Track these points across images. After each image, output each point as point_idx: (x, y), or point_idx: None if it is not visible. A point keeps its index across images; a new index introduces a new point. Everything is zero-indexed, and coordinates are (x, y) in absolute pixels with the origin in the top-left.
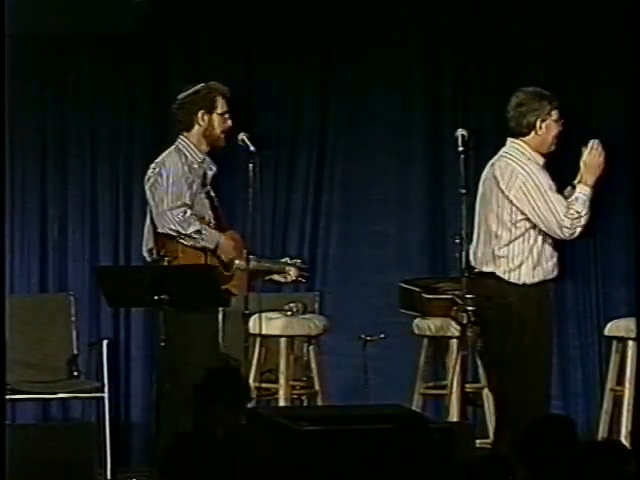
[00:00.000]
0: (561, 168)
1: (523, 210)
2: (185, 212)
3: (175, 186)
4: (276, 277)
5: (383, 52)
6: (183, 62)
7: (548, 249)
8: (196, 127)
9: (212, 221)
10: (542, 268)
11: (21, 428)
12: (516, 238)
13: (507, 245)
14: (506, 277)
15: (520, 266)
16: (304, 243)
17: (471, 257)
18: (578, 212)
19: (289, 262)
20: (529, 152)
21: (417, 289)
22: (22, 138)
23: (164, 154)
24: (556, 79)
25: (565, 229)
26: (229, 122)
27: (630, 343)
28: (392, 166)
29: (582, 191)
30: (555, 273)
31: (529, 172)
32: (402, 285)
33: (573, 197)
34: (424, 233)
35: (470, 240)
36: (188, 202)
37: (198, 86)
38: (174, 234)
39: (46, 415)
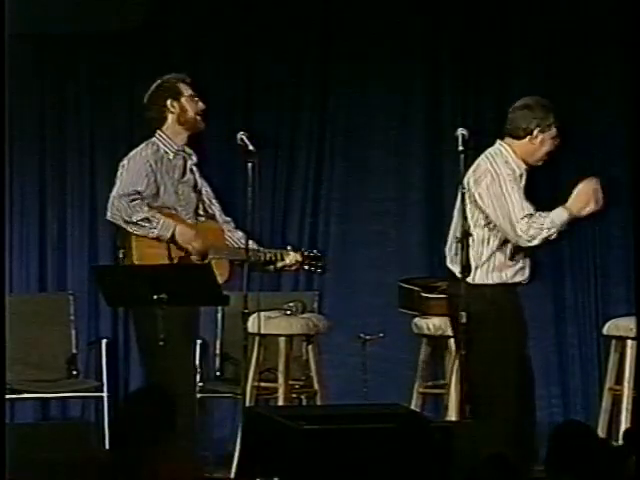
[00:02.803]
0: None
1: (485, 210)
2: (133, 200)
3: (130, 175)
4: (279, 264)
5: (382, 51)
6: (183, 62)
7: (510, 255)
8: (169, 117)
9: (194, 210)
10: (501, 273)
11: (20, 427)
12: (479, 243)
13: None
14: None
15: (476, 269)
16: (303, 242)
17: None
18: (541, 224)
19: (288, 249)
20: (512, 156)
21: (416, 288)
22: (21, 137)
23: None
24: (556, 79)
25: (521, 232)
26: (200, 104)
27: (629, 342)
28: (391, 165)
29: (559, 212)
30: (519, 279)
31: (499, 174)
32: (401, 284)
33: (548, 213)
34: (423, 232)
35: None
36: (140, 190)
37: (158, 81)
38: (120, 222)
39: (45, 414)
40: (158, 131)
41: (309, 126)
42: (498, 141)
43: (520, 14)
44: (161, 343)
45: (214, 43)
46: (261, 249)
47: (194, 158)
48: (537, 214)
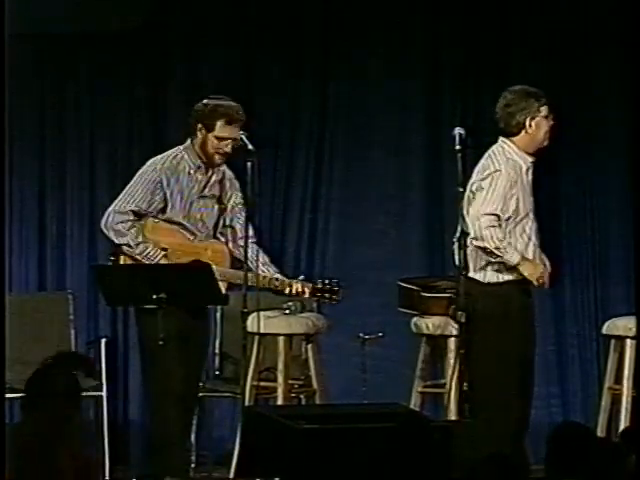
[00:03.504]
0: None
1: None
2: (124, 221)
3: (135, 190)
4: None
5: (382, 51)
6: (183, 62)
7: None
8: (197, 136)
9: (214, 224)
10: (509, 270)
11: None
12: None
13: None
14: (472, 276)
15: (485, 267)
16: (302, 241)
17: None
18: (499, 238)
19: (299, 280)
20: (515, 152)
21: (415, 287)
22: (21, 137)
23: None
24: (555, 79)
25: (477, 226)
26: (227, 147)
27: (628, 342)
28: (391, 165)
29: (515, 256)
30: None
31: (498, 170)
32: (400, 284)
33: (516, 236)
34: (423, 232)
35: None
36: (137, 209)
37: (211, 101)
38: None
39: None
40: (189, 141)
41: (309, 126)
42: (500, 138)
43: (520, 14)
44: (161, 343)
45: (214, 43)
46: (268, 274)
47: (221, 173)
48: (507, 231)
